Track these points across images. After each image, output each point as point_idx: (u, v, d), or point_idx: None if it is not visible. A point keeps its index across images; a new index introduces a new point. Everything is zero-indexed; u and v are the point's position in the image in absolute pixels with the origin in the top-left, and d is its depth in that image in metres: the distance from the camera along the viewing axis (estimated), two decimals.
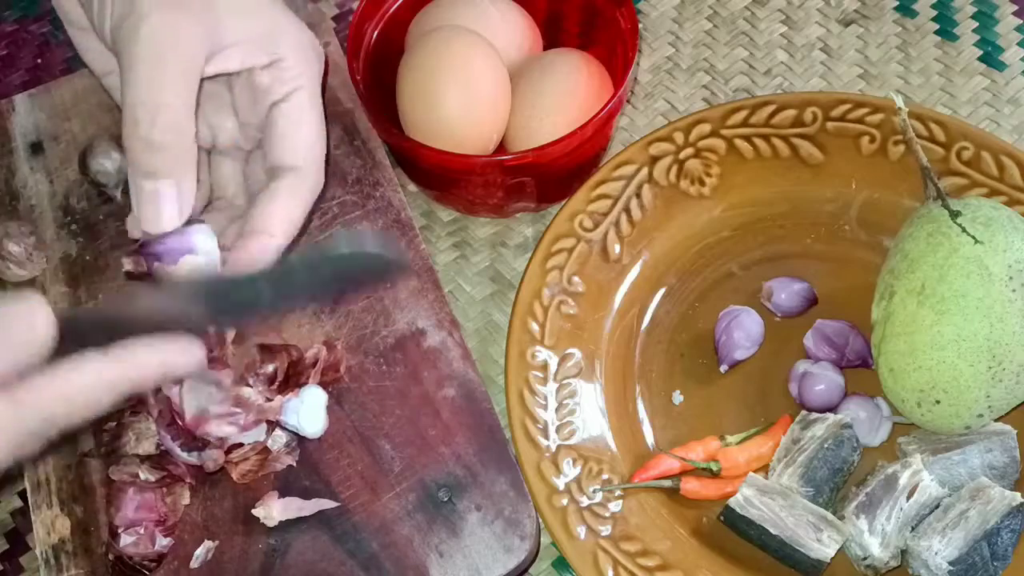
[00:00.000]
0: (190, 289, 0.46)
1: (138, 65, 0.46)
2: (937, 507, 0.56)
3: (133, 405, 0.59)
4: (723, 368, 0.64)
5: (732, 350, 0.63)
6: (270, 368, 0.60)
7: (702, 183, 0.69)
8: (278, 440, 0.59)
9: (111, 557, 0.56)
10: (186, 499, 0.57)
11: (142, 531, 0.56)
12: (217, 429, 0.57)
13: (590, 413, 0.62)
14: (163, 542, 0.56)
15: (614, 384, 0.64)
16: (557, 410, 0.61)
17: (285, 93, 0.51)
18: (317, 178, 0.52)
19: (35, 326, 0.40)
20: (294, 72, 0.51)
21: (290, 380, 0.60)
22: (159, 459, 0.58)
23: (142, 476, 0.57)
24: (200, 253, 0.50)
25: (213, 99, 0.55)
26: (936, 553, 0.54)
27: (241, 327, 0.54)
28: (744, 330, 0.63)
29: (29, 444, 0.41)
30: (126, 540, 0.55)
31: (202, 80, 0.50)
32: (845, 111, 0.69)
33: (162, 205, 0.47)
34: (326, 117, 0.70)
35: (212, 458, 0.57)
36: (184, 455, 0.58)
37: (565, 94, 0.67)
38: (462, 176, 0.67)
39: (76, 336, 0.42)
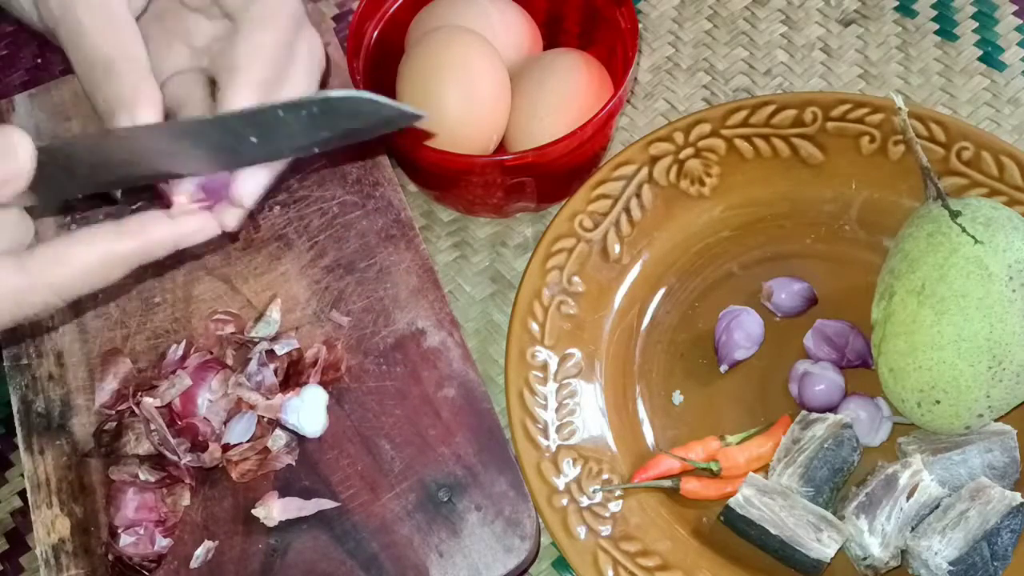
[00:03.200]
0: (180, 128, 0.45)
1: (74, 20, 0.46)
2: (937, 507, 0.56)
3: (132, 408, 0.59)
4: (723, 368, 0.64)
5: (732, 350, 0.63)
6: (271, 368, 0.60)
7: (702, 183, 0.69)
8: (278, 440, 0.59)
9: (111, 557, 0.56)
10: (186, 499, 0.57)
11: (142, 531, 0.56)
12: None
13: (590, 413, 0.62)
14: (163, 542, 0.56)
15: (614, 384, 0.64)
16: (557, 410, 0.61)
17: None
18: (285, 5, 0.49)
19: (15, 155, 0.40)
20: None
21: (290, 380, 0.60)
22: (159, 459, 0.58)
23: (142, 476, 0.57)
24: None
25: (170, 13, 0.53)
26: (936, 553, 0.54)
27: (238, 168, 0.49)
28: (744, 330, 0.63)
29: (34, 311, 0.42)
30: (126, 540, 0.56)
31: (145, 10, 0.49)
32: (845, 111, 0.69)
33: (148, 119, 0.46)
34: None
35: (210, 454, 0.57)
36: (182, 456, 0.58)
37: (565, 94, 0.67)
38: (462, 176, 0.67)
39: (61, 169, 0.42)
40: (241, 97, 0.47)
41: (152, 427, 0.58)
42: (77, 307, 0.64)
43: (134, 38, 0.47)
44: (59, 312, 0.64)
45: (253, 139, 0.44)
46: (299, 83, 0.50)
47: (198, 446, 0.58)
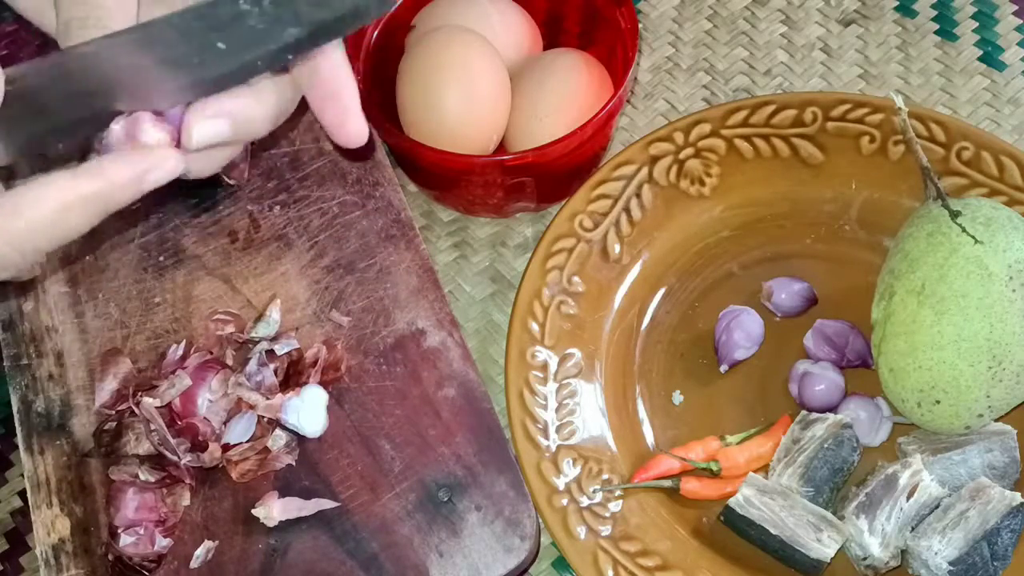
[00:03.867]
0: (142, 34, 0.41)
1: None
2: (937, 507, 0.56)
3: (133, 407, 0.59)
4: (723, 368, 0.64)
5: (732, 350, 0.63)
6: (271, 368, 0.60)
7: (702, 183, 0.69)
8: (278, 440, 0.59)
9: (111, 557, 0.56)
10: (186, 500, 0.57)
11: (142, 531, 0.56)
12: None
13: (590, 413, 0.62)
14: (163, 542, 0.56)
15: (614, 384, 0.64)
16: (557, 410, 0.61)
17: None
18: None
19: None
20: None
21: (290, 380, 0.60)
22: (159, 459, 0.58)
23: (142, 476, 0.57)
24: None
25: None
26: (936, 553, 0.54)
27: (211, 92, 0.43)
28: (744, 330, 0.63)
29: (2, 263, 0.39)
30: (126, 540, 0.55)
31: None
32: (845, 111, 0.69)
33: None
34: None
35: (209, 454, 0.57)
36: (182, 456, 0.58)
37: (565, 94, 0.67)
38: (462, 176, 0.67)
39: (23, 101, 0.39)
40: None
41: (152, 427, 0.58)
42: (77, 307, 0.64)
43: None
44: (59, 312, 0.64)
45: (220, 44, 0.40)
46: None
47: (198, 446, 0.58)
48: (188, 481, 0.58)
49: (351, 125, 0.44)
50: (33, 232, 0.39)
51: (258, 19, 0.40)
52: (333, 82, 0.44)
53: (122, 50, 0.41)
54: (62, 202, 0.39)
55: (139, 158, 0.40)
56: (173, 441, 0.57)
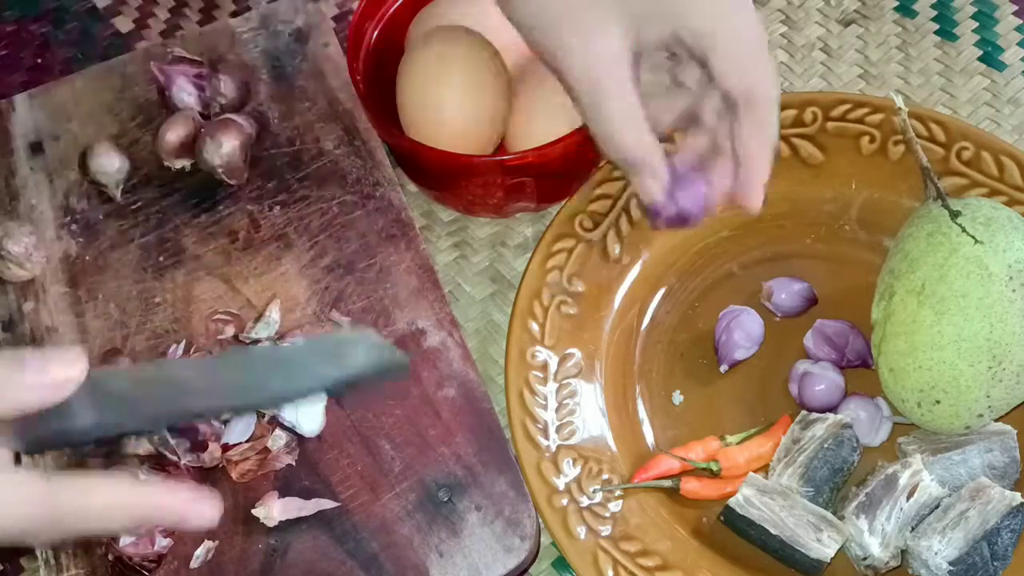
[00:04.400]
0: (214, 365, 0.46)
1: (587, 100, 0.51)
2: (937, 507, 0.56)
3: None
4: (723, 368, 0.64)
5: (732, 350, 0.63)
6: None
7: None
8: (278, 440, 0.59)
9: (111, 557, 0.56)
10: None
11: (142, 531, 0.56)
12: None
13: (590, 413, 0.62)
14: (163, 542, 0.56)
15: (614, 384, 0.64)
16: (557, 410, 0.61)
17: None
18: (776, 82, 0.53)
19: (71, 374, 0.41)
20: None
21: None
22: (159, 459, 0.58)
23: (142, 476, 0.57)
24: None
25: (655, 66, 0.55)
26: (936, 553, 0.54)
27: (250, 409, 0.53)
28: (744, 330, 0.63)
29: (34, 529, 0.42)
30: (126, 540, 0.55)
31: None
32: (845, 111, 0.69)
33: (649, 188, 0.52)
34: (326, 117, 0.70)
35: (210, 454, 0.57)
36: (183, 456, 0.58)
37: (565, 94, 0.67)
38: (462, 176, 0.67)
39: (105, 396, 0.43)
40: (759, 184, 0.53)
41: None
42: (77, 307, 0.64)
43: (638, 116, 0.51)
44: (59, 312, 0.64)
45: (278, 380, 0.44)
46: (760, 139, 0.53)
47: (198, 446, 0.58)
48: (188, 481, 0.58)
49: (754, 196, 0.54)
50: (86, 511, 0.42)
51: (314, 364, 0.44)
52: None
53: (194, 371, 0.45)
54: (121, 502, 0.43)
55: (191, 500, 0.44)
56: (173, 441, 0.57)
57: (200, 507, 0.44)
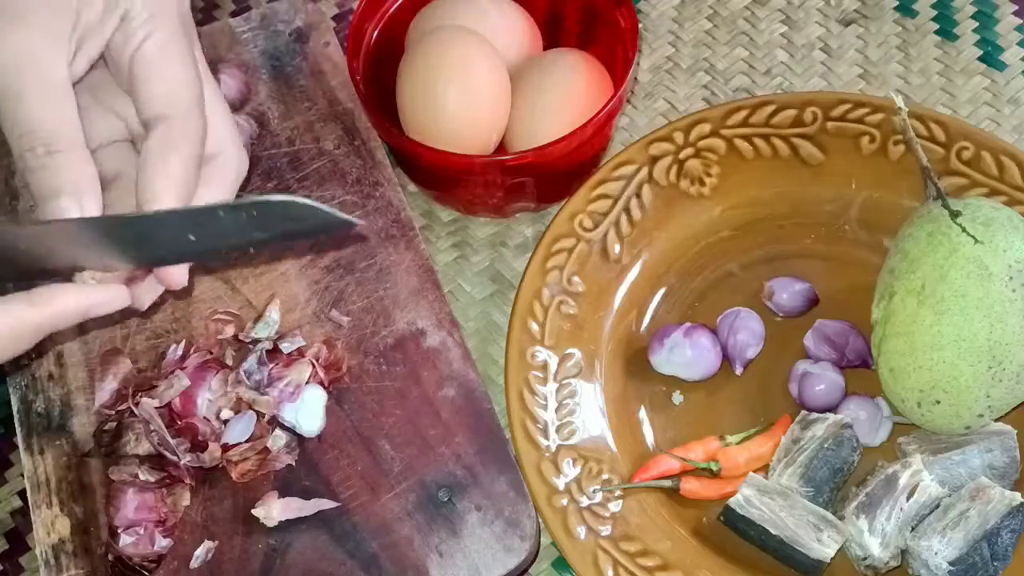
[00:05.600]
0: (120, 222, 0.45)
1: (8, 97, 0.45)
2: (937, 507, 0.56)
3: (133, 407, 0.59)
4: (738, 370, 0.63)
5: (744, 350, 0.63)
6: (270, 367, 0.60)
7: (702, 183, 0.69)
8: (278, 440, 0.59)
9: (111, 557, 0.56)
10: (186, 500, 0.57)
11: (142, 531, 0.56)
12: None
13: (590, 413, 0.62)
14: (163, 542, 0.56)
15: (614, 384, 0.64)
16: (557, 410, 0.61)
17: (138, 42, 0.48)
18: (192, 124, 0.48)
19: None
20: (141, 19, 0.48)
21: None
22: (159, 459, 0.58)
23: (142, 476, 0.57)
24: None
25: (104, 87, 0.51)
26: (936, 553, 0.54)
27: (171, 262, 0.49)
28: (748, 330, 0.63)
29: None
30: (126, 540, 0.55)
31: (81, 79, 0.48)
32: (845, 111, 0.69)
33: (80, 212, 0.46)
34: (326, 117, 0.70)
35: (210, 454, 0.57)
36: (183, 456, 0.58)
37: (565, 94, 0.67)
38: (462, 176, 0.67)
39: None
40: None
41: (152, 427, 0.58)
42: None
43: (74, 115, 0.46)
44: None
45: (191, 236, 0.44)
46: (211, 198, 0.50)
47: (198, 446, 0.58)
48: (188, 481, 0.58)
49: (175, 271, 0.48)
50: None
51: (231, 224, 0.44)
52: None
53: (99, 227, 0.45)
54: (15, 326, 0.43)
55: (90, 291, 0.45)
56: (173, 441, 0.57)
57: (98, 295, 0.45)
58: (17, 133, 0.45)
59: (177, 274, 0.48)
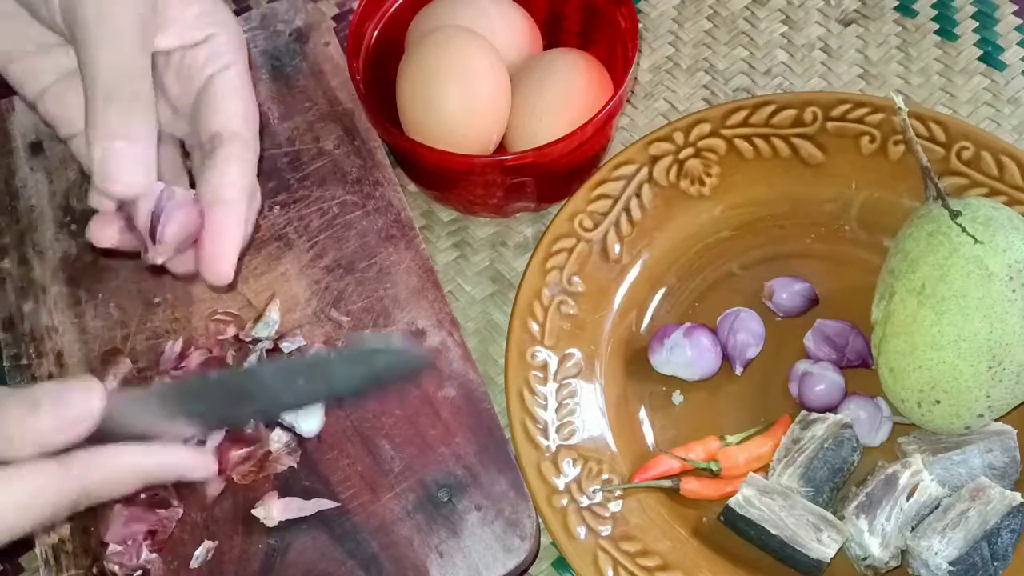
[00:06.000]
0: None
1: (103, 29, 0.47)
2: (937, 507, 0.56)
3: None
4: (738, 370, 0.63)
5: (744, 350, 0.63)
6: None
7: (702, 183, 0.69)
8: (278, 440, 0.59)
9: (95, 571, 0.55)
10: (178, 515, 0.57)
11: (130, 543, 0.55)
12: None
13: (590, 413, 0.62)
14: (149, 556, 0.56)
15: (614, 384, 0.64)
16: (557, 410, 0.61)
17: (222, 65, 0.52)
18: (256, 146, 0.53)
19: (91, 407, 0.43)
20: (227, 47, 0.52)
21: None
22: None
23: None
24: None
25: None
26: (936, 553, 0.54)
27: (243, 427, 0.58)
28: (748, 330, 0.63)
29: (63, 511, 0.44)
30: (113, 550, 0.55)
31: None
32: (845, 111, 0.69)
33: (132, 168, 0.47)
34: (326, 117, 0.70)
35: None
36: None
37: (565, 94, 0.67)
38: (462, 176, 0.67)
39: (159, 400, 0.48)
40: (232, 226, 0.50)
41: None
42: (77, 308, 0.64)
43: (147, 67, 0.49)
44: (59, 312, 0.64)
45: (301, 381, 0.49)
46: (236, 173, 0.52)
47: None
48: (176, 505, 0.57)
49: (221, 265, 0.50)
50: (103, 486, 0.45)
51: (342, 368, 0.50)
52: (218, 225, 0.50)
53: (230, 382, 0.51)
54: (130, 468, 0.45)
55: (189, 458, 0.48)
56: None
57: (197, 461, 0.48)
58: (95, 59, 0.47)
59: (225, 265, 0.50)
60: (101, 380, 0.60)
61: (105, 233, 0.50)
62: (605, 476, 0.60)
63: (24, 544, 0.62)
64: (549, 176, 0.68)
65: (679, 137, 0.69)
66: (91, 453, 0.44)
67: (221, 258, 0.49)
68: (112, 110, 0.46)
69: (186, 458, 0.47)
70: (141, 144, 0.47)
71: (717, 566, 0.58)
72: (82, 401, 0.43)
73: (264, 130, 0.70)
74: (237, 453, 0.58)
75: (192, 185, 0.53)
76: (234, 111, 0.52)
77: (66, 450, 0.43)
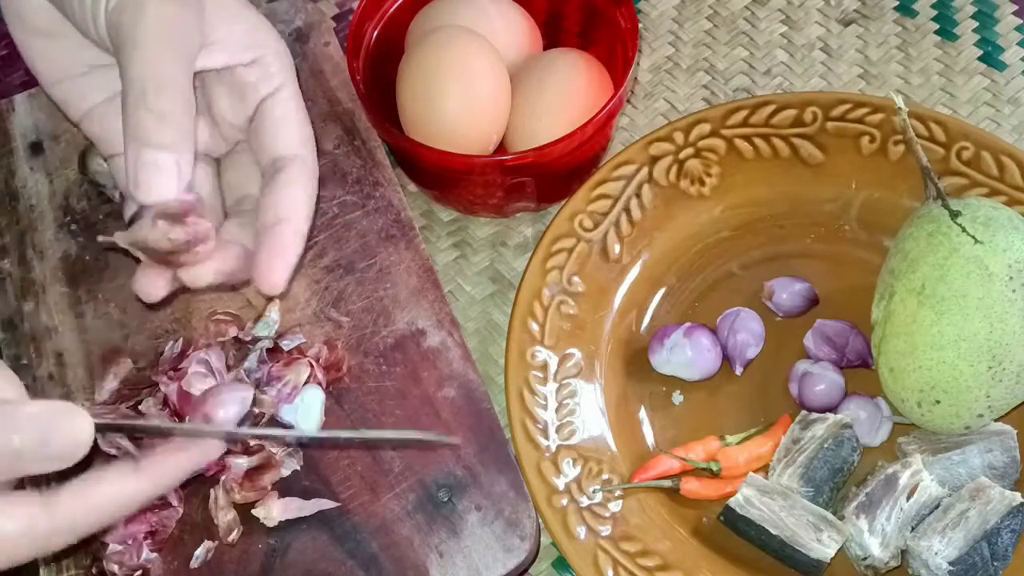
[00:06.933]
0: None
1: (146, 41, 0.47)
2: (937, 507, 0.56)
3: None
4: (738, 370, 0.63)
5: (744, 350, 0.63)
6: (270, 366, 0.60)
7: (702, 183, 0.69)
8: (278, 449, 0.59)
9: (94, 571, 0.55)
10: (178, 514, 0.57)
11: (130, 543, 0.55)
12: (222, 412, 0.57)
13: (590, 413, 0.62)
14: (149, 556, 0.56)
15: (614, 384, 0.64)
16: (557, 410, 0.61)
17: (274, 87, 0.52)
18: (315, 165, 0.54)
19: (78, 439, 0.42)
20: (277, 68, 0.53)
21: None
22: None
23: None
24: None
25: None
26: (936, 553, 0.54)
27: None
28: (748, 330, 0.63)
29: (54, 547, 0.43)
30: (113, 550, 0.55)
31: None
32: (845, 111, 0.69)
33: (163, 176, 0.47)
34: (326, 117, 0.70)
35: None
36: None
37: (565, 94, 0.67)
38: (462, 176, 0.67)
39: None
40: (294, 244, 0.50)
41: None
42: (77, 308, 0.64)
43: (189, 78, 0.49)
44: (59, 312, 0.64)
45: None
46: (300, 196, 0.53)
47: None
48: (176, 504, 0.57)
49: (279, 276, 0.50)
50: (94, 520, 0.43)
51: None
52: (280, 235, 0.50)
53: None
54: (124, 497, 0.44)
55: (188, 452, 0.46)
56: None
57: (198, 457, 0.46)
58: (142, 73, 0.47)
59: (282, 276, 0.50)
60: (101, 380, 0.61)
61: (157, 285, 0.50)
62: (605, 476, 0.60)
63: None
64: (549, 176, 0.68)
65: (679, 137, 0.69)
66: (79, 487, 0.43)
67: (279, 270, 0.50)
68: (148, 118, 0.46)
69: (186, 460, 0.46)
70: (175, 153, 0.47)
71: (717, 566, 0.58)
72: (68, 439, 0.41)
73: None
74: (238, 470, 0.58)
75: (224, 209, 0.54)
76: (293, 134, 0.52)
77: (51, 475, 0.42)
